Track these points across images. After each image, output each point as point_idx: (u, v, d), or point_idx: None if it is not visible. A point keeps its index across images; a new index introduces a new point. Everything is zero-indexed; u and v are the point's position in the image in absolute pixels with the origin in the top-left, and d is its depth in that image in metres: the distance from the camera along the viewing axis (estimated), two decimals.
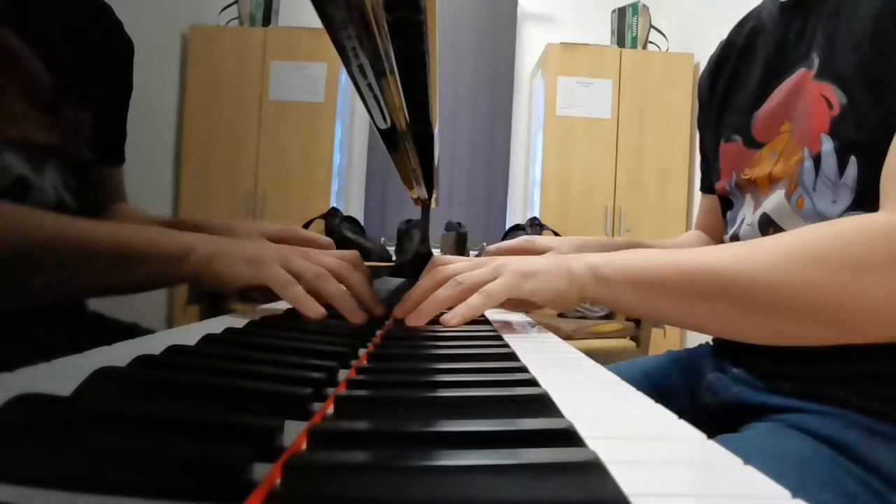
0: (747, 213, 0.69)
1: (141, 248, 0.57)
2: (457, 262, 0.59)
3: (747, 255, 0.49)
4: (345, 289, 0.57)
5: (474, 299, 0.54)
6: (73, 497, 0.17)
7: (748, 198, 0.69)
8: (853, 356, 0.50)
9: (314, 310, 0.53)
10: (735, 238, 0.71)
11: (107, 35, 0.86)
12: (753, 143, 0.68)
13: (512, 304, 0.60)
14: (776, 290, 0.46)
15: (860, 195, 0.53)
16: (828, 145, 0.55)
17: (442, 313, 0.55)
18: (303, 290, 0.54)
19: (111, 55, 0.87)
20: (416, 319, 0.55)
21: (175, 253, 0.57)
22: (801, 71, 0.61)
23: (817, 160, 0.56)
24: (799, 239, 0.48)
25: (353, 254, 0.63)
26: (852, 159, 0.53)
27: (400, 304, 0.58)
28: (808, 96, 0.59)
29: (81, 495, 0.17)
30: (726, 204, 0.76)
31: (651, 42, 3.51)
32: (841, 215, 0.54)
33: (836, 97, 0.55)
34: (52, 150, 0.72)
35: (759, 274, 0.47)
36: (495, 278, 0.55)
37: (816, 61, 0.58)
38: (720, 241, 0.84)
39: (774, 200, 0.62)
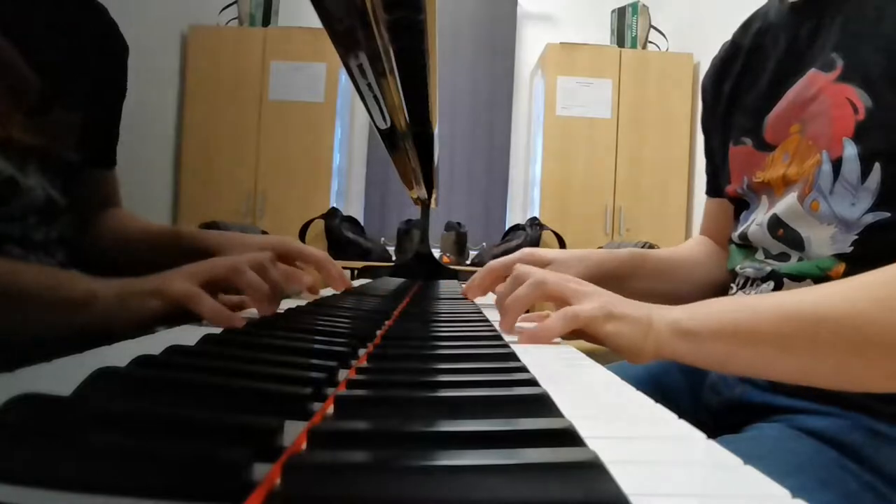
0: (759, 214, 0.68)
1: (38, 291, 0.53)
2: (536, 269, 0.57)
3: (853, 293, 0.43)
4: (260, 279, 0.56)
5: (554, 322, 0.49)
6: (73, 497, 0.17)
7: (763, 199, 0.68)
8: None
9: (228, 319, 0.51)
10: (743, 237, 0.70)
11: (99, 37, 0.85)
12: (764, 146, 0.67)
13: (574, 332, 0.53)
14: None
15: (881, 198, 0.53)
16: (851, 150, 0.54)
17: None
18: (214, 301, 0.52)
19: (103, 57, 0.86)
20: (506, 323, 0.54)
21: (70, 300, 0.53)
22: (813, 72, 0.60)
23: (837, 164, 0.55)
24: None
25: (267, 254, 0.61)
26: (876, 165, 0.53)
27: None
28: (827, 98, 0.57)
29: (81, 495, 0.17)
30: (741, 204, 0.74)
31: (651, 42, 3.52)
32: (860, 218, 0.54)
33: (862, 101, 0.54)
34: (34, 152, 0.71)
35: (876, 315, 0.41)
36: (579, 300, 0.51)
37: (839, 63, 0.57)
38: (726, 245, 0.83)
39: (786, 202, 0.61)
